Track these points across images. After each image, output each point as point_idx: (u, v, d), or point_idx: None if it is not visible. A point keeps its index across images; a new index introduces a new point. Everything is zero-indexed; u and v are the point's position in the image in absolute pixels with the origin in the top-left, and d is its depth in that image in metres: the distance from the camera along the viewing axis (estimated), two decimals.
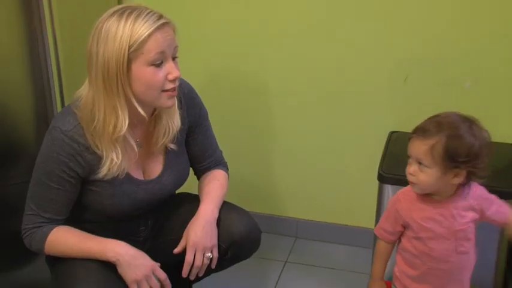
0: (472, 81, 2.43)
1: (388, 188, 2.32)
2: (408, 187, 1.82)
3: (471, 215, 1.78)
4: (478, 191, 1.80)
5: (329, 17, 2.49)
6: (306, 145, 2.70)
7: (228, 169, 2.18)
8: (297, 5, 2.50)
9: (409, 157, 1.76)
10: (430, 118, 1.77)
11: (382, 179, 2.32)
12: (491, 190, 2.18)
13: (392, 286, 1.92)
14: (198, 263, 1.94)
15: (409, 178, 1.76)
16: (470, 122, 1.72)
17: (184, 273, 1.95)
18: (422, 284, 1.84)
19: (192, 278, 1.97)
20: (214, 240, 1.97)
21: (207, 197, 2.04)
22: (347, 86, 2.56)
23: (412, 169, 1.74)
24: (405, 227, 1.83)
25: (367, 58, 2.50)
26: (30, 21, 1.99)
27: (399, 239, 1.88)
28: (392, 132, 2.52)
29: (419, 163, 1.72)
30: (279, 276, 2.61)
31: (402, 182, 2.27)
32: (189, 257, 1.93)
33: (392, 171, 2.32)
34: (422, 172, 1.72)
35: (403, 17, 2.43)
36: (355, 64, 2.52)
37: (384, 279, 1.93)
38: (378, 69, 2.51)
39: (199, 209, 2.01)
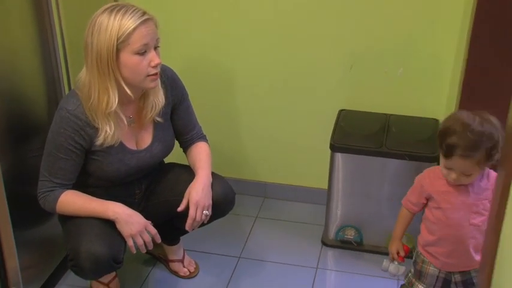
0: (404, 69, 2.41)
1: (338, 156, 2.30)
2: (435, 166, 1.75)
3: (485, 194, 1.70)
4: (493, 174, 1.72)
5: (291, 17, 2.43)
6: (270, 121, 2.63)
7: (208, 141, 2.14)
8: (263, 5, 2.44)
9: (450, 169, 1.66)
10: (464, 132, 1.61)
11: (334, 148, 2.31)
12: (418, 156, 2.17)
13: (417, 249, 1.87)
14: (198, 218, 1.92)
15: (452, 181, 1.68)
16: (484, 118, 1.62)
17: (188, 226, 1.93)
18: (437, 248, 1.79)
19: (191, 230, 1.95)
20: (210, 200, 1.94)
21: (202, 165, 2.01)
22: (304, 73, 2.51)
23: (454, 176, 1.66)
24: (428, 199, 1.78)
25: (321, 51, 2.46)
26: (41, 19, 1.95)
27: (423, 210, 1.82)
28: (341, 110, 2.50)
29: (464, 174, 1.65)
30: (251, 229, 2.60)
31: (350, 150, 2.29)
32: (192, 213, 1.90)
33: (341, 142, 2.30)
34: (466, 176, 1.65)
35: (350, 19, 2.38)
36: (311, 55, 2.47)
37: (401, 241, 1.91)
38: (329, 60, 2.46)
39: (198, 174, 1.98)
